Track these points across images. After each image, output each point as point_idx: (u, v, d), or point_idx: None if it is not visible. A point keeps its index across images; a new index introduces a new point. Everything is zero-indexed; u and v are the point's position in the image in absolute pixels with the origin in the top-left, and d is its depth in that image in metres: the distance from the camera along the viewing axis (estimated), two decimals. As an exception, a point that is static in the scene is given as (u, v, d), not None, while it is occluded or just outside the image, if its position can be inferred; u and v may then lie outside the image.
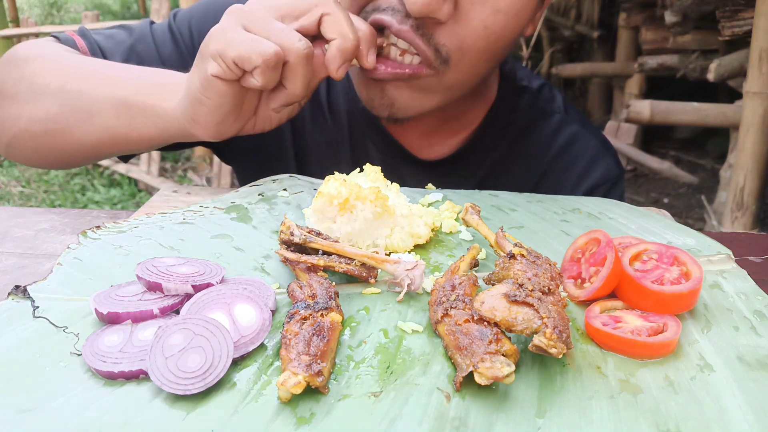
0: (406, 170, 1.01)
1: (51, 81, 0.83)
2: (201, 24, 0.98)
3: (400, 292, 0.60)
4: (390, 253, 0.68)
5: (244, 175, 1.10)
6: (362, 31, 0.74)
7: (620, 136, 4.50)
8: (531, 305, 0.51)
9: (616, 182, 1.02)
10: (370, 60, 0.76)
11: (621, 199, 0.99)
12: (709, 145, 4.67)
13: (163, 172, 4.46)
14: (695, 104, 3.79)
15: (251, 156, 1.06)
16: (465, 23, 0.76)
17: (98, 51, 0.95)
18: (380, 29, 0.79)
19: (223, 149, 1.11)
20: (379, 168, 0.75)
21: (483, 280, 0.61)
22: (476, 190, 0.86)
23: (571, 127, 1.04)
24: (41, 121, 0.84)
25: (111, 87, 0.81)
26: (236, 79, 0.71)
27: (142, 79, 0.82)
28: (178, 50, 0.97)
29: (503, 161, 1.03)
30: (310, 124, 1.02)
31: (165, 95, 0.79)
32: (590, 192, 1.01)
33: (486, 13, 0.76)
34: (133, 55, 0.95)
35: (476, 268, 0.66)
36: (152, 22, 1.00)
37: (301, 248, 0.63)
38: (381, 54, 0.79)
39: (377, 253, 0.61)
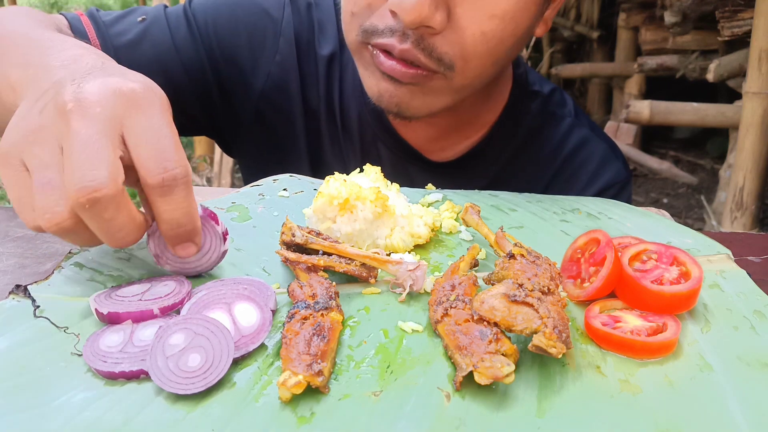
0: (416, 171, 1.01)
1: None
2: (215, 13, 0.98)
3: (401, 293, 0.60)
4: (390, 253, 0.68)
5: (250, 172, 1.10)
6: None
7: (620, 136, 4.50)
8: (531, 305, 0.51)
9: (624, 185, 1.04)
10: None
11: (629, 202, 1.00)
12: (708, 146, 4.67)
13: (163, 172, 4.44)
14: (695, 104, 3.79)
15: (263, 155, 1.05)
16: (462, 31, 0.77)
17: (106, 32, 0.93)
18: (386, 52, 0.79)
19: (230, 146, 1.10)
20: (379, 168, 0.75)
21: (483, 280, 0.61)
22: (476, 190, 0.86)
23: (581, 131, 1.04)
24: None
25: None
26: None
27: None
28: (192, 35, 0.97)
29: (513, 164, 1.03)
30: (324, 125, 1.02)
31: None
32: (599, 195, 1.01)
33: (481, 19, 0.76)
34: (147, 38, 0.95)
35: (476, 268, 0.66)
36: (166, 6, 1.00)
37: (301, 248, 0.63)
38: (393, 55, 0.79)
39: (378, 254, 0.61)
